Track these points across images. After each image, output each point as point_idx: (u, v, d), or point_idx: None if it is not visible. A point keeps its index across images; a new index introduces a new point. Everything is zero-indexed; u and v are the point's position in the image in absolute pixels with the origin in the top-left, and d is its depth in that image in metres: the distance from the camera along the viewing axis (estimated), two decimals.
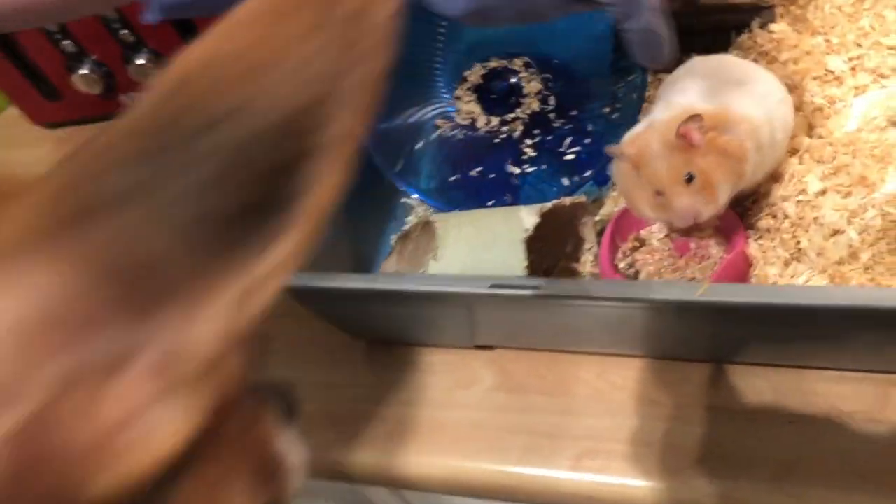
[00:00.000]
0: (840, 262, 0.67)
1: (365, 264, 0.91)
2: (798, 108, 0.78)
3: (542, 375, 0.79)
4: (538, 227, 0.76)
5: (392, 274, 0.73)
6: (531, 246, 0.83)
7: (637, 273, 0.80)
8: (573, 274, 0.83)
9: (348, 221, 0.91)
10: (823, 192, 0.71)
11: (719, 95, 0.71)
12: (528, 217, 0.76)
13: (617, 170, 0.74)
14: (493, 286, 0.64)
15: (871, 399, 0.68)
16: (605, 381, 0.77)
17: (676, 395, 0.74)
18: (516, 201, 0.87)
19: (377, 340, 0.86)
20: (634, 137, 0.72)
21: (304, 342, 0.89)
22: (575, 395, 0.77)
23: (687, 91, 0.73)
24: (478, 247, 0.76)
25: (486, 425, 0.77)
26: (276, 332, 0.89)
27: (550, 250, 0.85)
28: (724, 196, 0.69)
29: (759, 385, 0.72)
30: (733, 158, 0.69)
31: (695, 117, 0.65)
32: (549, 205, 0.76)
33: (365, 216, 0.94)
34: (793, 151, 0.76)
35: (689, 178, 0.68)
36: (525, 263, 0.73)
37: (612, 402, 0.75)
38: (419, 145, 0.90)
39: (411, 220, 0.93)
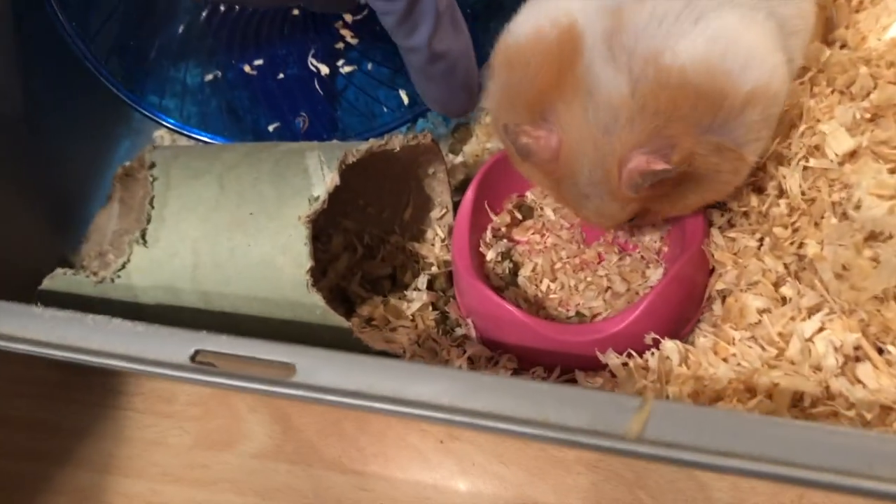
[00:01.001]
0: (882, 298, 0.36)
1: (74, 211, 0.54)
2: None
3: (347, 436, 0.47)
4: (349, 183, 0.41)
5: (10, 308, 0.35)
6: (333, 214, 0.49)
7: (515, 268, 0.46)
8: (410, 258, 0.49)
9: (51, 132, 0.53)
10: (853, 156, 0.39)
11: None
12: (318, 171, 0.40)
13: (494, 97, 0.40)
14: (196, 355, 0.29)
15: None
16: (454, 456, 0.45)
17: (581, 494, 0.43)
18: (322, 127, 0.51)
19: None
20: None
21: None
22: (401, 478, 0.45)
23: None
24: (221, 224, 0.40)
25: None
26: None
27: (375, 216, 0.50)
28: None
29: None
30: (722, 178, 0.38)
31: (656, 170, 0.33)
32: (361, 148, 0.41)
33: (83, 127, 0.55)
34: (800, 71, 0.43)
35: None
36: (307, 264, 0.38)
37: (463, 497, 0.44)
38: (152, 19, 0.51)
39: (154, 144, 0.56)
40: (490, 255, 0.46)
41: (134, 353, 0.30)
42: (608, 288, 0.44)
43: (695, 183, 0.37)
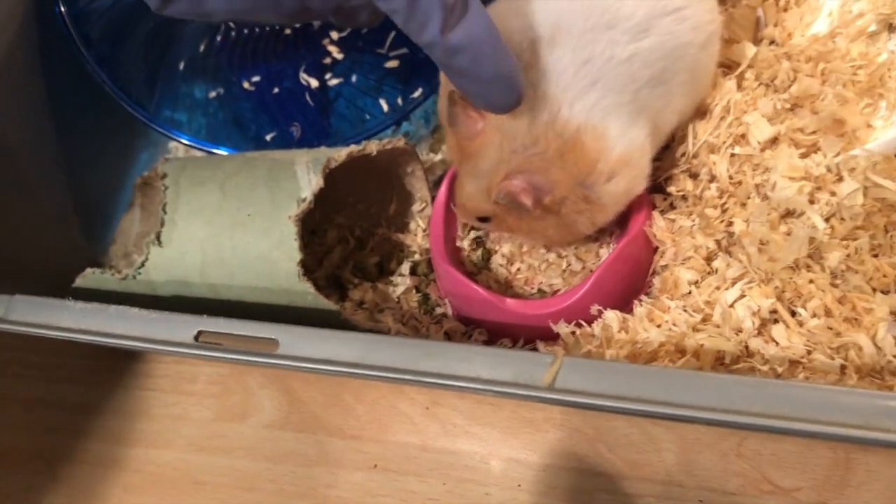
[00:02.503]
0: (794, 267, 0.41)
1: (102, 216, 0.61)
2: None
3: (346, 407, 0.53)
4: (338, 183, 0.47)
5: (30, 302, 0.42)
6: (327, 211, 0.55)
7: (488, 255, 0.52)
8: (396, 248, 0.55)
9: (79, 149, 0.60)
10: (774, 143, 0.44)
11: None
12: (305, 176, 0.46)
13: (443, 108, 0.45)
14: (199, 335, 0.36)
15: (824, 469, 0.44)
16: (438, 420, 0.51)
17: (548, 448, 0.49)
18: (314, 135, 0.57)
19: None
20: None
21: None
22: (392, 441, 0.51)
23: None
24: (224, 225, 0.46)
25: (259, 483, 0.51)
26: None
27: (364, 211, 0.56)
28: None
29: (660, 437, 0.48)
30: (581, 224, 0.45)
31: (521, 201, 0.41)
32: (342, 154, 0.47)
33: (107, 142, 0.62)
34: (729, 66, 0.48)
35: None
36: (298, 256, 0.44)
37: (445, 454, 0.50)
38: (162, 44, 0.58)
39: (170, 155, 0.62)
40: (464, 243, 0.52)
41: (149, 335, 0.37)
42: (567, 267, 0.50)
43: (555, 221, 0.43)
